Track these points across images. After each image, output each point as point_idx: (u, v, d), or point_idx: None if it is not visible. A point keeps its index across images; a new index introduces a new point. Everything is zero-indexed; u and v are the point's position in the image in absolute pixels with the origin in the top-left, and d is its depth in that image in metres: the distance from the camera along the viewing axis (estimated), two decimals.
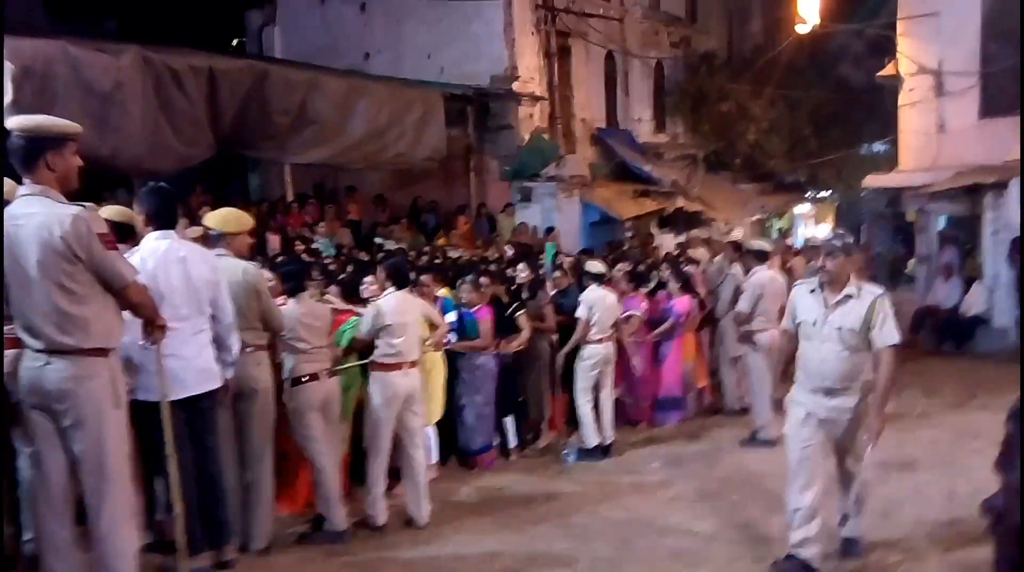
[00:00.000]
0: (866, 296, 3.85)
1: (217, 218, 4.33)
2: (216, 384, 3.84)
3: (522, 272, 6.86)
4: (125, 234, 3.88)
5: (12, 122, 2.98)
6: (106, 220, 3.27)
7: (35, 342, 2.99)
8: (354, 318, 5.09)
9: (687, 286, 7.49)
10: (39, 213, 2.93)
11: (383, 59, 12.90)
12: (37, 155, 2.95)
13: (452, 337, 5.80)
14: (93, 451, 3.05)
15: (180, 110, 7.58)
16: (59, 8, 11.98)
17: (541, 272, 7.40)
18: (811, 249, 10.12)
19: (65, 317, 2.95)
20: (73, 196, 3.08)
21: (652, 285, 7.78)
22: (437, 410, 5.65)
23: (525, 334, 6.25)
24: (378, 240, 9.67)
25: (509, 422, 6.26)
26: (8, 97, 5.89)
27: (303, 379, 4.44)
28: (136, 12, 13.13)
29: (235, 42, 15.23)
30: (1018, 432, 1.22)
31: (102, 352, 3.06)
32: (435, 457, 5.62)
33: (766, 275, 6.56)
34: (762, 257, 6.80)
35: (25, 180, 2.98)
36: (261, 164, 11.48)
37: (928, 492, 5.10)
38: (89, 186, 3.48)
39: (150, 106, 7.28)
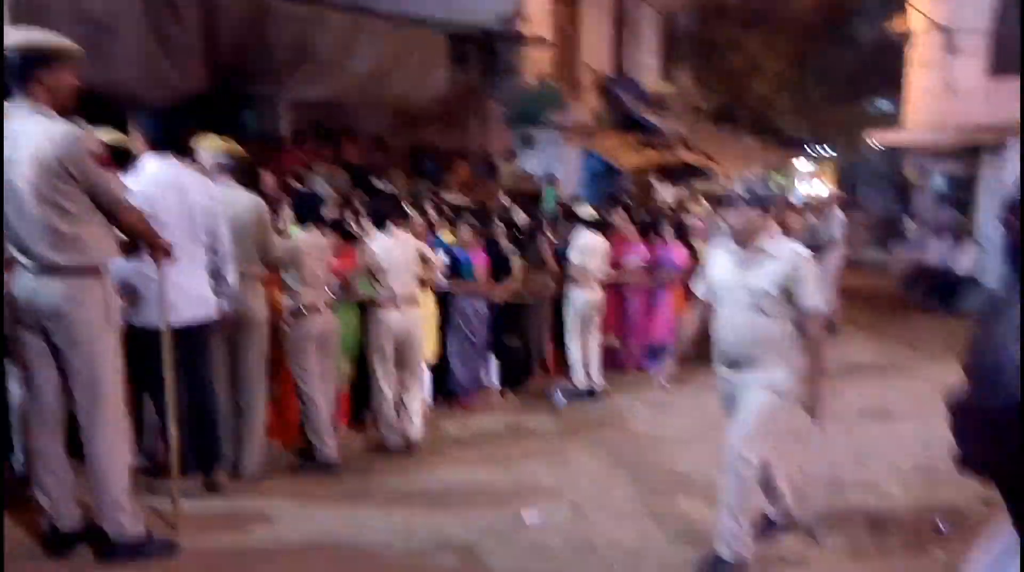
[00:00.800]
0: (787, 256, 3.32)
1: (231, 146, 4.36)
2: (210, 312, 3.89)
3: (517, 214, 6.86)
4: (121, 160, 3.87)
5: (9, 38, 2.95)
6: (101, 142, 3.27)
7: (28, 261, 3.00)
8: None
9: (683, 237, 7.53)
10: (32, 131, 2.91)
11: None
12: (31, 71, 2.93)
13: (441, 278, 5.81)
14: (86, 370, 3.09)
15: (175, 40, 7.43)
16: None
17: (541, 217, 7.39)
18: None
19: (59, 236, 2.96)
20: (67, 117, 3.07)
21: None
22: (431, 351, 5.72)
23: (517, 277, 6.29)
24: (377, 183, 9.62)
25: (492, 363, 6.34)
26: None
27: (303, 310, 4.50)
28: None
29: None
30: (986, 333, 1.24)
31: (95, 271, 3.08)
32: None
33: None
34: None
35: (17, 96, 2.95)
36: (257, 102, 11.33)
37: (904, 440, 5.22)
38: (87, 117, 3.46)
39: (144, 35, 7.16)
